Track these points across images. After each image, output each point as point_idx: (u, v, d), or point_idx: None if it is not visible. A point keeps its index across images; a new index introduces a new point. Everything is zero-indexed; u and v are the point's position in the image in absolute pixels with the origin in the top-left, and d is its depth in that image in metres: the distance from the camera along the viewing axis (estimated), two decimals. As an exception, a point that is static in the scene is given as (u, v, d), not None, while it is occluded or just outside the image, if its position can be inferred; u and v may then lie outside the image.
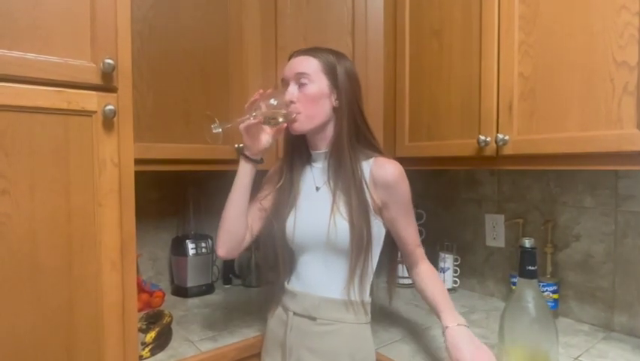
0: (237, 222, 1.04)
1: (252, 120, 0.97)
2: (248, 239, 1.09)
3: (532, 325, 0.83)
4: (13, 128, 0.80)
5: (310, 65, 1.01)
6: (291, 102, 1.00)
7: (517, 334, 0.85)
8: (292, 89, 1.01)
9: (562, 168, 1.05)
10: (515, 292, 0.86)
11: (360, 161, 1.03)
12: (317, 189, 1.06)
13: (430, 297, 1.01)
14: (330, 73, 1.02)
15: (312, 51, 1.04)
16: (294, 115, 0.99)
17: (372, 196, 1.01)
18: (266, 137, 1.01)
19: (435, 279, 1.05)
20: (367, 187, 1.01)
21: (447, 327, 0.93)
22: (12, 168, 0.80)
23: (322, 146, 1.06)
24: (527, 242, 0.86)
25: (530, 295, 0.84)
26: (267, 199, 1.12)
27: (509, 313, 0.86)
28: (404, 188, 1.02)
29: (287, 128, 1.02)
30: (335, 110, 1.03)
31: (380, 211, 1.02)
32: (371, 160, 1.03)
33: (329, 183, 1.04)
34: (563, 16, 1.01)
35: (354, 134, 1.04)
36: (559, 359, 0.89)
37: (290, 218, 1.06)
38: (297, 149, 1.11)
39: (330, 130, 1.04)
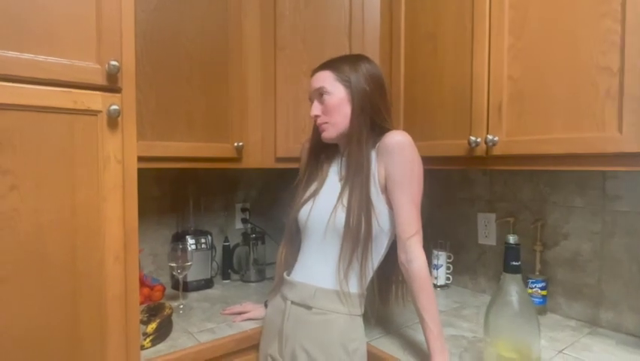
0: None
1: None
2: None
3: (516, 318, 0.87)
4: (22, 126, 0.84)
5: (325, 78, 1.10)
6: (316, 116, 1.11)
7: (501, 327, 0.89)
8: (315, 105, 1.12)
9: (549, 168, 1.08)
10: (500, 286, 0.90)
11: (370, 150, 1.07)
12: (340, 179, 1.12)
13: (422, 324, 1.00)
14: (345, 80, 1.09)
15: (326, 64, 1.13)
16: (322, 125, 1.11)
17: (378, 172, 1.05)
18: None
19: (427, 301, 1.00)
20: (376, 166, 1.05)
21: None
22: (20, 165, 0.84)
23: (340, 132, 1.12)
24: (512, 238, 0.90)
25: (514, 289, 0.88)
26: None
27: (494, 306, 0.90)
28: (403, 156, 1.02)
29: (318, 134, 1.14)
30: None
31: (385, 190, 1.05)
32: (382, 137, 1.06)
33: (341, 174, 1.12)
34: (550, 21, 1.04)
35: (369, 131, 1.08)
36: (541, 350, 0.93)
37: (309, 203, 1.14)
38: (327, 144, 1.17)
39: None
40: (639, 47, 0.90)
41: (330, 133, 1.11)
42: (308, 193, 1.16)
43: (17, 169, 0.84)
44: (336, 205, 1.06)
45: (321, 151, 1.19)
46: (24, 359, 0.86)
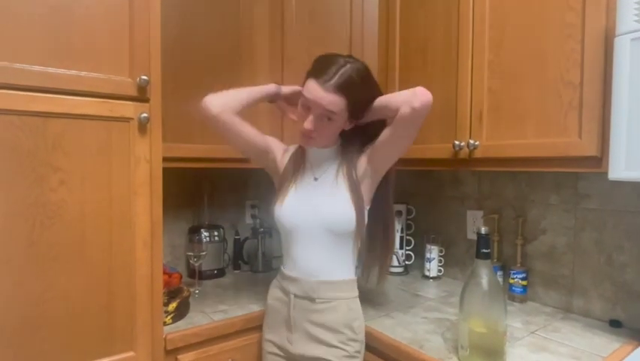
0: (236, 103, 1.24)
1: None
2: (236, 121, 1.24)
3: (485, 298, 1.02)
4: (69, 131, 1.01)
5: (339, 105, 1.08)
6: (310, 131, 1.11)
7: (472, 304, 1.03)
8: (312, 121, 1.11)
9: (522, 169, 1.23)
10: (472, 270, 1.05)
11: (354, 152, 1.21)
12: (315, 179, 1.21)
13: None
14: (352, 105, 1.10)
15: (342, 88, 1.07)
16: (311, 135, 1.13)
17: (357, 166, 1.17)
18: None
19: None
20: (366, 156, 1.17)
21: None
22: (68, 163, 1.01)
23: (323, 145, 1.21)
24: (483, 229, 1.04)
25: (484, 272, 1.02)
26: (270, 146, 1.30)
27: (467, 288, 1.04)
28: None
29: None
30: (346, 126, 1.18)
31: (372, 164, 1.16)
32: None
33: (336, 174, 1.18)
34: (523, 40, 1.19)
35: (363, 133, 1.21)
36: (507, 326, 1.07)
37: (286, 204, 1.19)
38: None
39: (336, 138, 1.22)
40: (595, 64, 1.04)
41: (314, 144, 1.18)
42: (291, 193, 1.21)
43: (65, 167, 1.00)
44: (335, 206, 1.15)
45: (305, 153, 1.26)
46: (70, 325, 1.02)
